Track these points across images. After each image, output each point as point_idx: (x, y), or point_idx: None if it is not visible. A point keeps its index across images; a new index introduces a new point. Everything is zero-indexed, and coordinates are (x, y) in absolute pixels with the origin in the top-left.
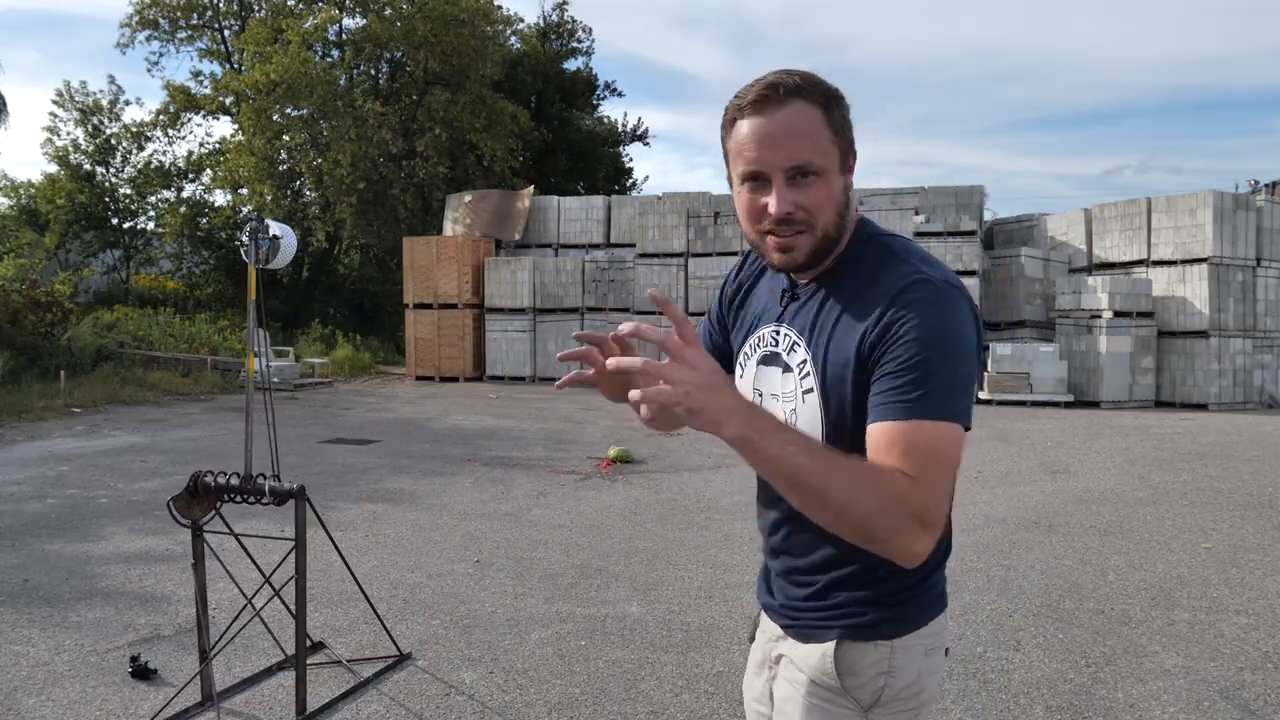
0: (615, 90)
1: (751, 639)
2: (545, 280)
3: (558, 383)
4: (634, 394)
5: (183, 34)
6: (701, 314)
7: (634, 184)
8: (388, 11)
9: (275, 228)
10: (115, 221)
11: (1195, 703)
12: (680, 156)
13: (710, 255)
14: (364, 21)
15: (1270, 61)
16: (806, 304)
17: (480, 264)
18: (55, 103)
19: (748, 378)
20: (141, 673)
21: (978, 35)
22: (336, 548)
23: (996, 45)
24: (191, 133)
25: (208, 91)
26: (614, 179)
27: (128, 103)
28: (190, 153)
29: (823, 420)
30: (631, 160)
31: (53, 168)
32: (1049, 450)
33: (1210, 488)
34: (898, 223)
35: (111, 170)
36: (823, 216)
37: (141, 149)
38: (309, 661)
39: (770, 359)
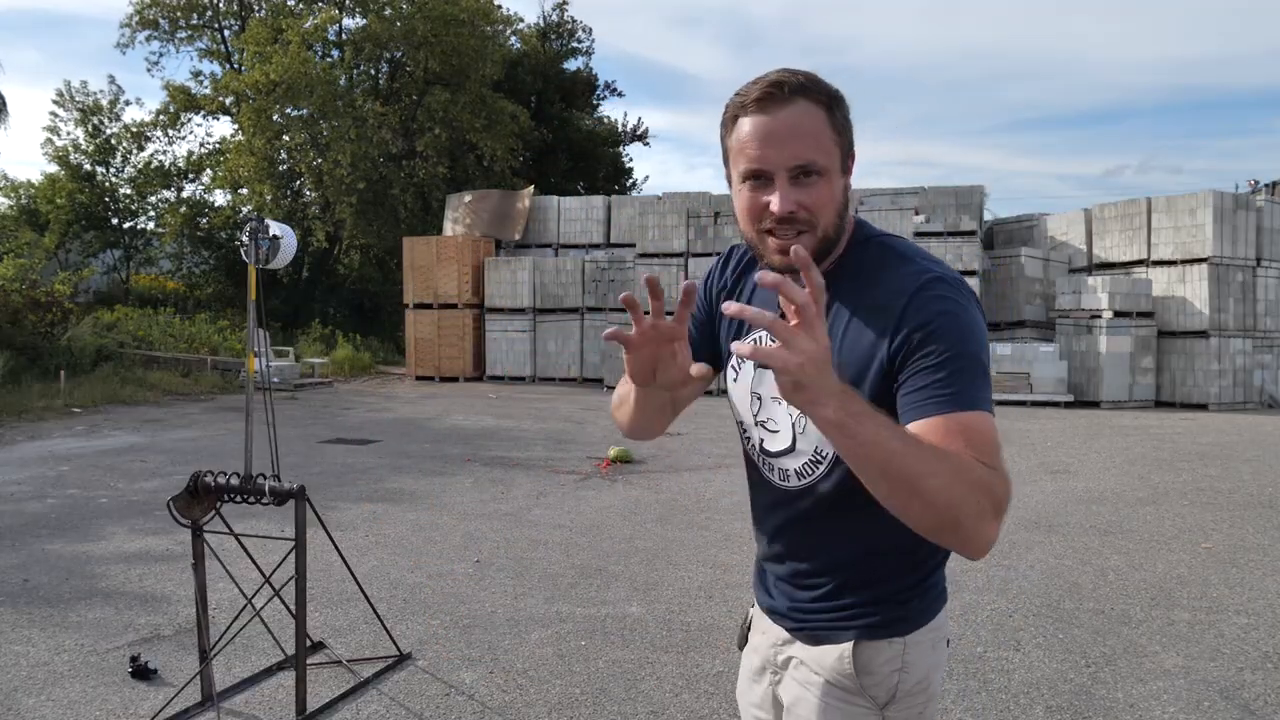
0: (615, 90)
1: (741, 646)
2: (545, 280)
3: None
4: (743, 347)
5: (183, 34)
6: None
7: (634, 184)
8: (388, 11)
9: (275, 228)
10: (115, 221)
11: (1195, 703)
12: (680, 156)
13: (710, 255)
14: (364, 21)
15: (1270, 61)
16: None
17: (480, 264)
18: (55, 103)
19: (744, 381)
20: (141, 673)
21: (978, 35)
22: (336, 548)
23: (996, 45)
24: (191, 133)
25: (208, 91)
26: (614, 179)
27: (128, 103)
28: (190, 153)
29: None
30: (631, 160)
31: (53, 168)
32: (1049, 450)
33: (1210, 488)
34: (898, 223)
35: (111, 170)
36: (824, 217)
37: (141, 149)
38: (309, 661)
39: None
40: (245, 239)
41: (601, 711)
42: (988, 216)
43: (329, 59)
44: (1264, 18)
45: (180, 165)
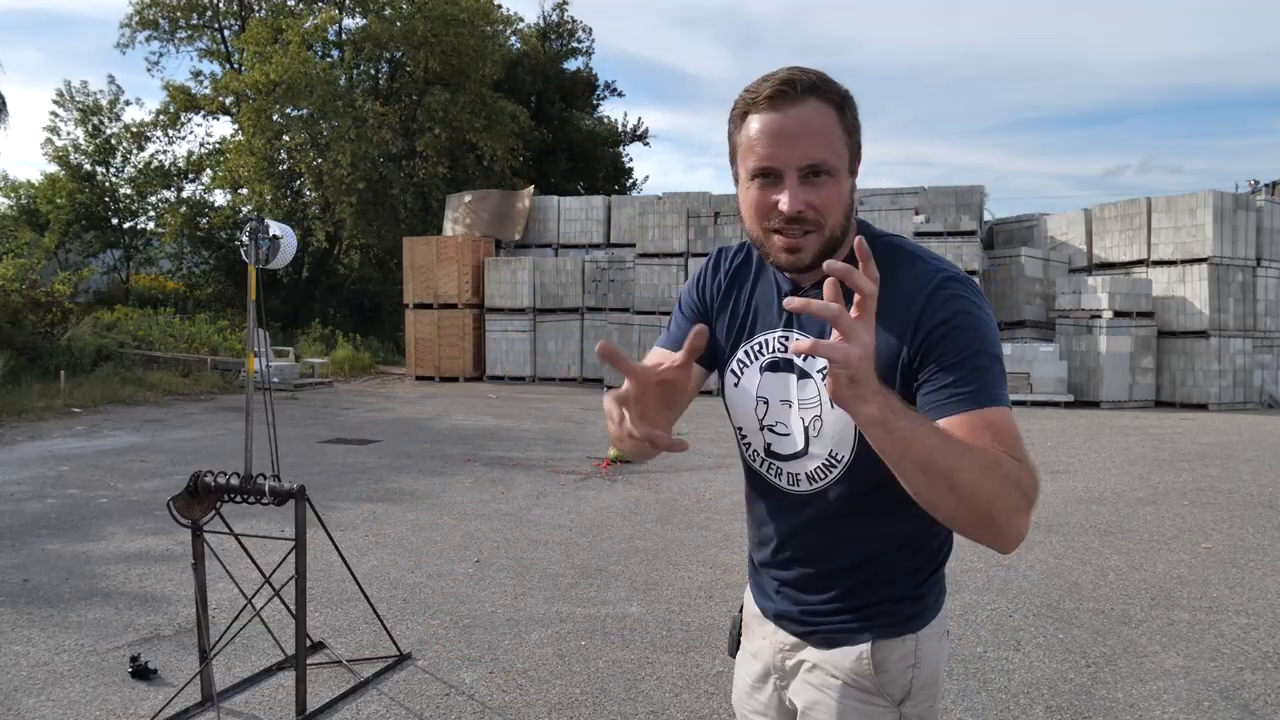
0: (615, 90)
1: (733, 653)
2: (545, 280)
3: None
4: (802, 344)
5: (183, 34)
6: None
7: (634, 184)
8: (388, 11)
9: (275, 228)
10: (115, 221)
11: (1195, 703)
12: (680, 156)
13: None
14: (364, 21)
15: (1270, 61)
16: None
17: (480, 264)
18: (55, 103)
19: (748, 384)
20: (141, 673)
21: (978, 35)
22: (336, 548)
23: (996, 45)
24: (191, 133)
25: (208, 91)
26: (614, 179)
27: (128, 103)
28: (190, 153)
29: (855, 426)
30: (631, 160)
31: (53, 168)
32: (1049, 450)
33: (1210, 488)
34: (898, 223)
35: (111, 170)
36: (832, 217)
37: (141, 149)
38: (309, 661)
39: (779, 365)
40: (245, 239)
41: (601, 711)
42: (987, 216)
43: (329, 59)
44: (1264, 18)
45: (180, 165)
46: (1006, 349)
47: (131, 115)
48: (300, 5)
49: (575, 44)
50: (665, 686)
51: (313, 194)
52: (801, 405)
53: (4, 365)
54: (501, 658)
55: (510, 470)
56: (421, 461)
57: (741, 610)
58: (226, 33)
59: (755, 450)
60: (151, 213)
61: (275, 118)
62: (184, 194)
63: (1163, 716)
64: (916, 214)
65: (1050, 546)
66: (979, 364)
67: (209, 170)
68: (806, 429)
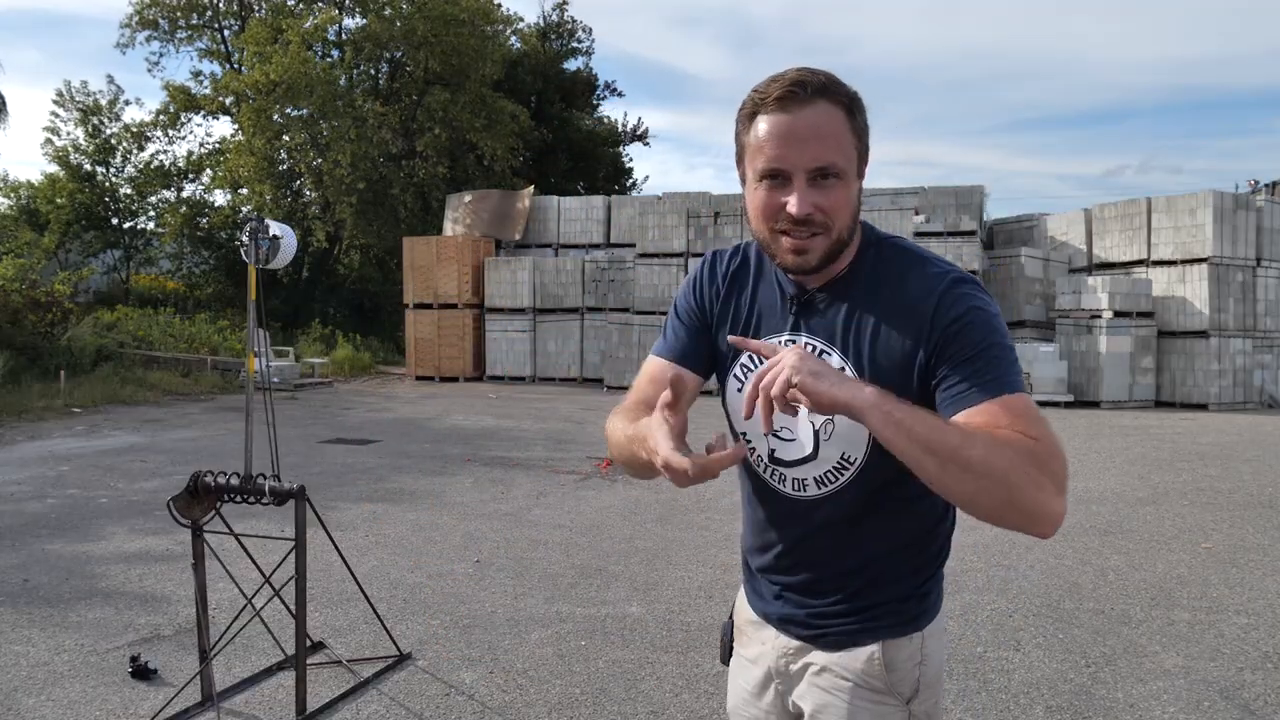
0: (615, 90)
1: (725, 660)
2: (545, 280)
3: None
4: (746, 390)
5: (183, 34)
6: None
7: (634, 184)
8: (388, 11)
9: (275, 228)
10: (115, 221)
11: (1195, 703)
12: (680, 156)
13: None
14: (364, 21)
15: (1270, 61)
16: (827, 310)
17: (480, 264)
18: (55, 103)
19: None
20: (141, 673)
21: (978, 35)
22: (336, 548)
23: (996, 45)
24: (191, 133)
25: (208, 91)
26: (614, 179)
27: (128, 103)
28: (190, 153)
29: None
30: (631, 160)
31: (53, 168)
32: None
33: (1210, 488)
34: (898, 223)
35: (111, 170)
36: (839, 220)
37: (141, 149)
38: (309, 661)
39: None
40: (245, 239)
41: (601, 711)
42: (987, 217)
43: (329, 59)
44: (1264, 18)
45: (180, 165)
46: None
47: (131, 115)
48: (300, 5)
49: (575, 44)
50: (665, 686)
51: (313, 194)
52: (812, 410)
53: (4, 365)
54: (501, 658)
55: (510, 470)
56: (421, 461)
57: (731, 617)
58: (226, 33)
59: (759, 456)
60: (151, 213)
61: (275, 118)
62: (184, 194)
63: (1163, 716)
64: (916, 214)
65: (1050, 546)
66: (994, 355)
67: (209, 170)
68: (817, 433)
